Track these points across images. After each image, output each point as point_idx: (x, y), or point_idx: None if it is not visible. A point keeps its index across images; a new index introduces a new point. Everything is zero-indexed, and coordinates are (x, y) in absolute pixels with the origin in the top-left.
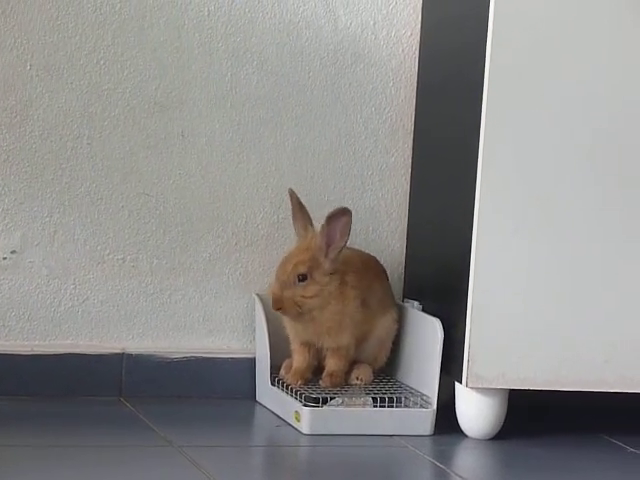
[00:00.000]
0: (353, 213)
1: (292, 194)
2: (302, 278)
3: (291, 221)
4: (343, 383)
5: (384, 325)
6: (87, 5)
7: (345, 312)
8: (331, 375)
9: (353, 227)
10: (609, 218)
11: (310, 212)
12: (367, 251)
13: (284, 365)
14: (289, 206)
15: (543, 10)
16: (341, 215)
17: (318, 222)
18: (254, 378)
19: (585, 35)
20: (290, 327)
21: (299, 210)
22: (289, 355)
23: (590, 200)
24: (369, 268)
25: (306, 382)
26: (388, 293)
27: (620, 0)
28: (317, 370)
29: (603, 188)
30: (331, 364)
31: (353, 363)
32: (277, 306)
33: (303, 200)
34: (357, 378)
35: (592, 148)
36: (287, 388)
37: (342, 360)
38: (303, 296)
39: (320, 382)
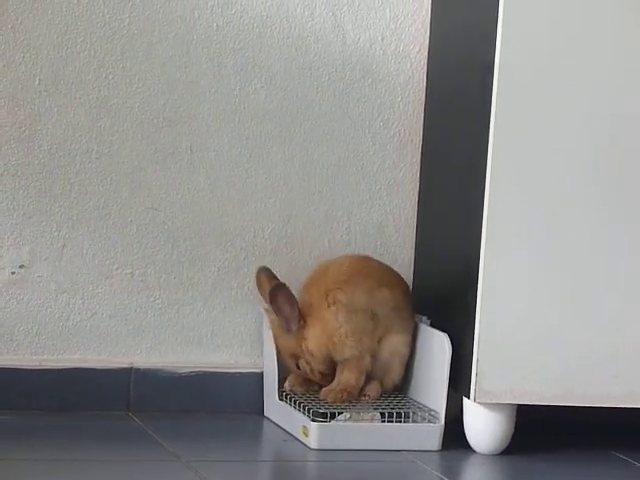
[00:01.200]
0: (361, 228)
1: (267, 271)
2: (297, 365)
3: (299, 233)
4: (352, 399)
5: (391, 343)
6: (96, 20)
7: (330, 329)
8: (332, 390)
9: (362, 242)
10: (615, 234)
11: (318, 227)
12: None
13: (289, 378)
14: (297, 219)
15: (550, 25)
16: (276, 291)
17: (324, 240)
18: (262, 393)
19: (593, 49)
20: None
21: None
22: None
23: (598, 216)
24: (367, 277)
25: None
26: (403, 309)
27: (627, 10)
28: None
29: (609, 200)
30: (343, 378)
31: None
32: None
33: (310, 215)
34: (365, 394)
35: (597, 159)
36: (295, 403)
37: (354, 372)
38: (308, 375)
39: (322, 393)
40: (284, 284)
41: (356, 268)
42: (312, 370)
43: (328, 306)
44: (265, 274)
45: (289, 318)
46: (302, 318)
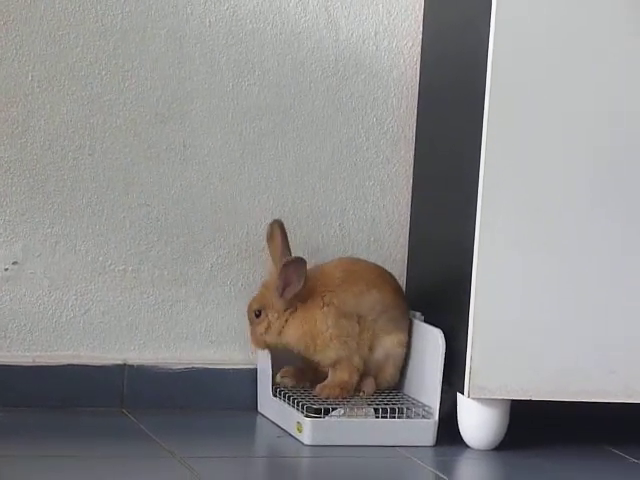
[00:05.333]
0: (355, 224)
1: (281, 226)
2: (258, 314)
3: (293, 230)
4: (346, 395)
5: (386, 344)
6: (88, 16)
7: (314, 333)
8: (325, 387)
9: (355, 238)
10: (609, 229)
11: (311, 223)
12: (368, 261)
13: (281, 371)
14: (290, 215)
15: (544, 21)
16: (296, 264)
17: (317, 236)
18: (256, 389)
19: (588, 45)
20: None
21: (283, 241)
22: (290, 364)
23: (591, 211)
24: (358, 279)
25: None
26: (396, 308)
27: (623, 13)
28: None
29: (603, 200)
30: (337, 375)
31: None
32: (254, 346)
33: (304, 211)
34: (360, 390)
35: (592, 157)
36: (289, 399)
37: (345, 371)
38: (259, 333)
39: (315, 390)
40: (305, 261)
41: (349, 271)
42: (268, 328)
43: (322, 306)
44: (280, 229)
45: (289, 288)
46: (300, 298)
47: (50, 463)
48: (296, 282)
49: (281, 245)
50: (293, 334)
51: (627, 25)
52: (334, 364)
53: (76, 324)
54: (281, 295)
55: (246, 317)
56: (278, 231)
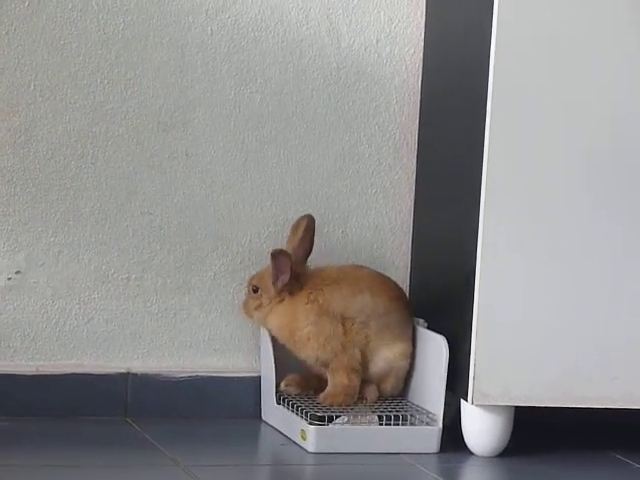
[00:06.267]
0: (357, 231)
1: (310, 221)
2: (255, 289)
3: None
4: (349, 400)
5: (387, 355)
6: (91, 25)
7: (295, 326)
8: (328, 395)
9: (358, 245)
10: (611, 234)
11: (315, 231)
12: (372, 269)
13: (285, 378)
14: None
15: (546, 26)
16: (281, 255)
17: (320, 243)
18: (259, 397)
19: (589, 50)
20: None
21: (304, 236)
22: (293, 372)
23: (592, 216)
24: (354, 281)
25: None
26: (392, 315)
27: (624, 18)
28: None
29: (605, 204)
30: (335, 381)
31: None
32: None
33: None
34: (363, 397)
35: (594, 163)
36: (292, 406)
37: (341, 373)
38: (251, 306)
39: (318, 398)
40: (289, 255)
41: (346, 274)
42: (259, 307)
43: (306, 303)
44: (307, 224)
45: (281, 277)
46: (289, 291)
47: (53, 472)
48: (285, 274)
49: (299, 239)
50: (274, 323)
51: (629, 30)
52: (326, 366)
53: (79, 333)
54: (273, 283)
55: (246, 302)
56: (304, 226)
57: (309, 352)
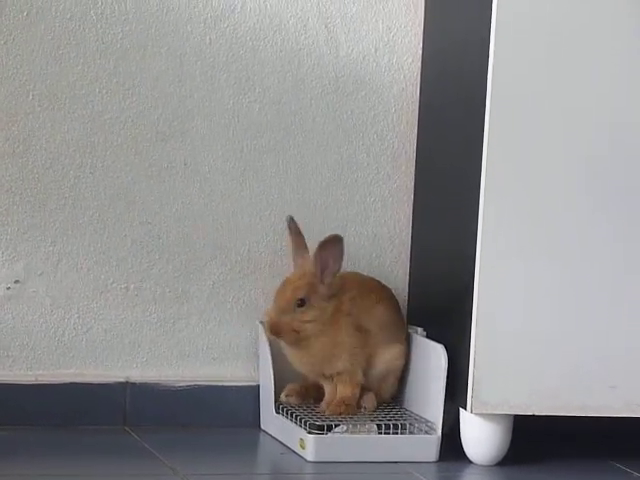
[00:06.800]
0: (356, 240)
1: (291, 222)
2: (301, 303)
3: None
4: (351, 412)
5: (385, 358)
6: (89, 35)
7: (337, 340)
8: (330, 404)
9: (356, 254)
10: (613, 241)
11: (313, 239)
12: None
13: (286, 389)
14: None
15: (544, 35)
16: (334, 242)
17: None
18: (258, 406)
19: (587, 59)
20: (291, 359)
21: (297, 237)
22: (292, 381)
23: (594, 223)
24: (369, 292)
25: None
26: (395, 322)
27: (625, 22)
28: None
29: (605, 211)
30: (339, 391)
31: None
32: (274, 331)
33: (305, 227)
34: (361, 406)
35: (593, 170)
36: (291, 415)
37: (348, 386)
38: (302, 321)
39: (320, 407)
40: (342, 239)
41: (358, 282)
42: (319, 316)
43: (347, 315)
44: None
45: (326, 271)
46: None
47: None
48: (333, 264)
49: (298, 239)
50: (325, 337)
51: (628, 37)
52: (337, 377)
53: (78, 342)
54: (321, 280)
55: (274, 306)
56: (294, 227)
57: (339, 364)
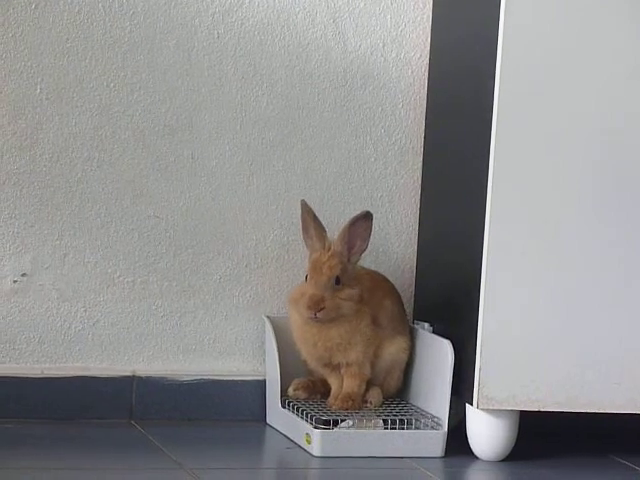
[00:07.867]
0: None
1: (305, 205)
2: (338, 281)
3: (301, 241)
4: (356, 407)
5: (390, 351)
6: (97, 28)
7: (356, 328)
8: (337, 398)
9: None
10: (618, 240)
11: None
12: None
13: (293, 383)
14: (299, 226)
15: (552, 31)
16: (363, 219)
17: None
18: (264, 400)
19: (594, 57)
20: (303, 344)
21: (313, 220)
22: (298, 375)
23: (600, 221)
24: (379, 286)
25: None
26: (400, 316)
27: (632, 28)
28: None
29: (609, 211)
30: (345, 385)
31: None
32: (319, 306)
33: None
34: (367, 401)
35: (598, 169)
36: (297, 410)
37: (356, 380)
38: (341, 298)
39: (328, 401)
40: (372, 215)
41: (371, 278)
42: (354, 295)
43: (366, 304)
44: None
45: (353, 250)
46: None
47: (58, 475)
48: (360, 243)
49: (314, 222)
50: (345, 323)
51: (635, 39)
52: (345, 367)
53: (85, 336)
54: (348, 259)
55: (312, 283)
56: (309, 210)
57: (351, 354)
